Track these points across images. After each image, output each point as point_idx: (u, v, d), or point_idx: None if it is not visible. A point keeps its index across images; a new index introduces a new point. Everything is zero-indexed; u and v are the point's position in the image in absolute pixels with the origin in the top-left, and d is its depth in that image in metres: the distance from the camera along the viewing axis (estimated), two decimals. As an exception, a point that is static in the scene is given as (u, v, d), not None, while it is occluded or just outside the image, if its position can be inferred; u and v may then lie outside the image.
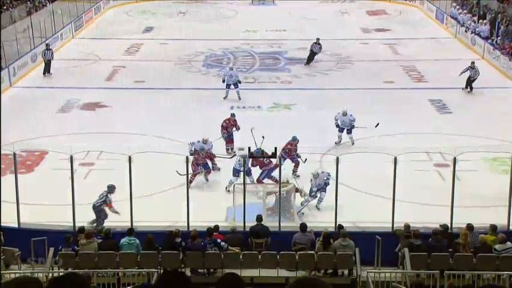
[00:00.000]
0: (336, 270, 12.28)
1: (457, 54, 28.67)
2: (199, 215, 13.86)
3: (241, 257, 12.17)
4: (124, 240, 12.38)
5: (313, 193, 14.77)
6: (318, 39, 27.17)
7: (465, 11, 32.85)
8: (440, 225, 12.70)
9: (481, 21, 30.50)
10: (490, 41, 28.54)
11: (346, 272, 12.29)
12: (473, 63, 23.69)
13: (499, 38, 28.44)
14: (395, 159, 13.05)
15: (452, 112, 21.49)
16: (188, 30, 33.28)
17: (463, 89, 23.25)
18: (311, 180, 14.85)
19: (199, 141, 16.22)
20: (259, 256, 12.14)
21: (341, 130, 18.24)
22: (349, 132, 18.15)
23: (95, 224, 13.82)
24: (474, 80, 23.23)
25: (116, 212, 13.85)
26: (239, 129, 17.82)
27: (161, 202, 14.95)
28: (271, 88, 24.38)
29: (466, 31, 30.91)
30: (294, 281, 2.30)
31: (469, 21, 31.00)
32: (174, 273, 3.07)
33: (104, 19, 37.25)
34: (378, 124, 17.22)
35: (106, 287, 11.33)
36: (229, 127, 17.92)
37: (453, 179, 13.18)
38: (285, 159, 15.76)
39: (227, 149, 17.42)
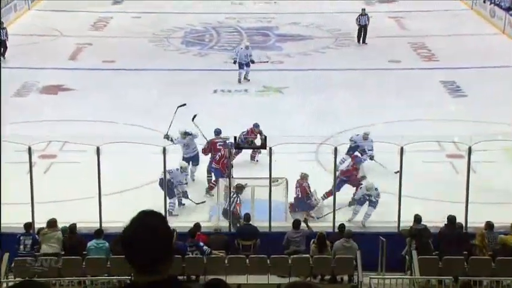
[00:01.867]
0: (334, 276, 12.34)
1: (473, 28, 28.75)
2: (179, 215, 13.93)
3: (226, 261, 12.20)
4: (91, 244, 12.34)
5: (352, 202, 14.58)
6: (363, 9, 27.27)
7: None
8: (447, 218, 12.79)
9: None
10: (511, 12, 28.64)
11: (346, 278, 12.36)
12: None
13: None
14: (402, 149, 13.14)
15: (467, 95, 21.56)
16: (165, 2, 33.14)
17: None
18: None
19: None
20: (247, 260, 12.17)
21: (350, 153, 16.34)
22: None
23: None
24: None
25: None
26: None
27: (135, 199, 14.87)
28: (261, 69, 24.29)
29: (484, 1, 30.99)
30: (287, 285, 2.28)
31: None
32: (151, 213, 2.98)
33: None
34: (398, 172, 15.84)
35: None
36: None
37: (468, 171, 13.30)
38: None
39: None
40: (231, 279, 11.47)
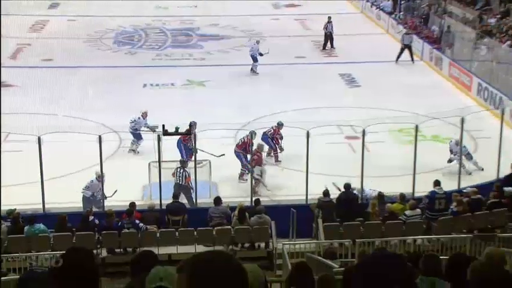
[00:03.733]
0: (253, 244, 12.39)
1: (363, 29, 29.30)
2: (115, 194, 13.65)
3: (158, 234, 12.08)
4: (27, 229, 11.91)
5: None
6: (329, 17, 26.86)
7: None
8: (344, 186, 13.06)
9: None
10: (393, 16, 29.31)
11: (263, 245, 12.42)
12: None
13: (401, 13, 29.30)
14: (308, 133, 13.25)
15: (361, 85, 21.96)
16: (98, 7, 32.45)
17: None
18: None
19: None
20: (177, 233, 12.08)
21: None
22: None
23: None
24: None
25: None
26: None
27: (75, 183, 14.56)
28: (185, 65, 24.11)
29: (371, 6, 31.62)
30: (192, 256, 2.13)
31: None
32: (76, 251, 2.90)
33: (7, -5, 35.63)
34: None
35: (18, 272, 10.94)
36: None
37: (362, 150, 13.57)
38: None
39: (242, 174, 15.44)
40: (163, 250, 11.40)
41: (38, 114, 18.27)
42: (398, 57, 24.43)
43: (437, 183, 12.97)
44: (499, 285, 3.21)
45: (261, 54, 22.44)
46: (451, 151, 15.35)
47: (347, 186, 13.08)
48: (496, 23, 24.32)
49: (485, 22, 24.75)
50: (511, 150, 14.95)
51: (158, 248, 11.35)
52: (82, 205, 13.60)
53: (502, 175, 14.41)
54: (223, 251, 5.25)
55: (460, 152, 14.85)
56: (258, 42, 23.33)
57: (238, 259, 2.16)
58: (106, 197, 13.57)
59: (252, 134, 14.57)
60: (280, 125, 15.98)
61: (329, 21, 26.80)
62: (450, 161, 15.46)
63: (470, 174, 15.36)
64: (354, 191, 13.23)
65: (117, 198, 13.50)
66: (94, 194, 13.80)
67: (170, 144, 14.37)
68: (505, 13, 24.84)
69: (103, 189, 13.50)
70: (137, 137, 16.51)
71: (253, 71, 22.61)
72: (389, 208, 12.74)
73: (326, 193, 13.06)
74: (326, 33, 26.66)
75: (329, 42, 26.67)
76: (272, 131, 15.98)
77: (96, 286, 2.75)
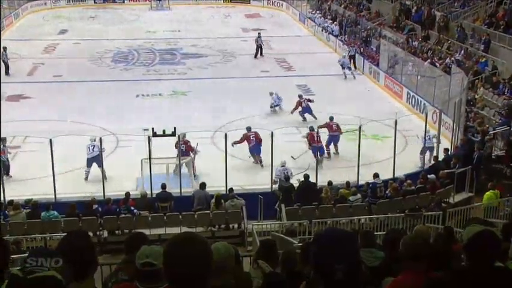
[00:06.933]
0: (228, 225, 12.33)
1: (316, 48, 29.35)
2: (113, 186, 13.47)
3: (149, 218, 11.95)
4: (43, 215, 11.73)
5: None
6: (259, 33, 27.51)
7: (320, 15, 33.87)
8: (304, 176, 12.99)
9: (331, 22, 31.57)
10: (340, 37, 29.46)
11: (236, 225, 12.37)
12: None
13: (346, 36, 29.48)
14: (272, 133, 13.23)
15: (315, 94, 21.95)
16: (98, 32, 32.17)
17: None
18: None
19: None
20: (165, 217, 11.96)
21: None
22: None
23: None
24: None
25: None
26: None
27: (81, 176, 14.36)
28: (170, 79, 23.87)
29: (322, 30, 31.73)
30: (175, 235, 2.17)
31: (324, 23, 32.03)
32: (76, 233, 2.84)
33: (23, 23, 34.98)
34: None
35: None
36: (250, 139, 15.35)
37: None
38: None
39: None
40: (154, 232, 11.25)
41: (50, 121, 17.96)
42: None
43: (376, 175, 13.04)
44: (424, 255, 3.33)
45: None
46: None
47: (306, 176, 13.04)
48: (418, 45, 24.68)
49: (411, 44, 25.09)
50: (433, 146, 15.16)
51: (150, 229, 11.20)
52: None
53: (426, 166, 14.61)
54: (194, 232, 5.25)
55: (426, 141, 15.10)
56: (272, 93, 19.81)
57: (205, 238, 2.22)
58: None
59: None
60: (311, 130, 15.40)
61: (259, 36, 27.40)
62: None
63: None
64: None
65: (115, 188, 13.30)
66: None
67: (158, 144, 14.16)
68: (425, 37, 25.27)
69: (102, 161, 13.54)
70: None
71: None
72: (340, 193, 12.81)
73: (287, 178, 13.10)
74: (257, 45, 27.21)
75: (259, 53, 27.17)
76: (307, 135, 15.41)
77: (94, 260, 2.74)
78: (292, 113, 18.22)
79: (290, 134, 16.62)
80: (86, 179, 14.32)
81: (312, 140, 15.09)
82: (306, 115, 18.27)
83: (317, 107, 19.31)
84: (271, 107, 19.05)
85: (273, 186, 13.31)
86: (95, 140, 14.11)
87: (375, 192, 12.78)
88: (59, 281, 2.21)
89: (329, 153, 15.76)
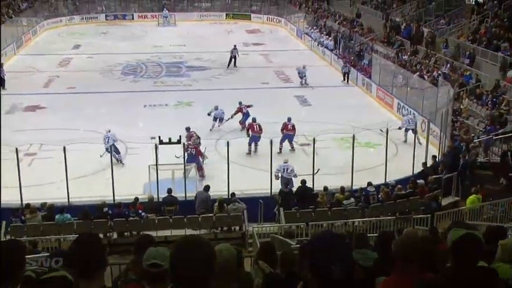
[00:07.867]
0: (230, 227, 12.30)
1: (312, 62, 29.33)
2: (122, 191, 13.44)
3: (156, 221, 11.93)
4: (57, 217, 11.72)
5: None
6: (235, 45, 27.51)
7: (316, 31, 33.93)
8: (301, 182, 12.95)
9: (327, 37, 31.60)
10: (334, 52, 29.51)
11: (237, 228, 12.34)
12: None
13: (340, 50, 29.53)
14: (271, 141, 13.23)
15: (311, 105, 22.00)
16: (109, 47, 32.25)
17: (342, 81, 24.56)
18: None
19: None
20: (171, 220, 11.94)
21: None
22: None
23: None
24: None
25: None
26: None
27: (89, 183, 14.32)
28: (176, 90, 23.91)
29: (317, 45, 31.78)
30: (180, 239, 2.17)
31: (320, 38, 32.10)
32: (88, 235, 2.82)
33: (40, 39, 35.14)
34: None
35: (50, 250, 10.68)
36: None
37: (313, 154, 13.56)
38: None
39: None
40: (160, 233, 11.24)
41: (64, 129, 17.94)
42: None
43: (369, 184, 13.01)
44: (414, 255, 3.28)
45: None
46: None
47: (303, 181, 13.02)
48: (408, 58, 24.72)
49: (401, 58, 25.12)
50: (422, 154, 15.15)
51: (157, 231, 11.19)
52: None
53: (416, 171, 14.59)
54: (198, 235, 5.23)
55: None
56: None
57: (209, 241, 2.19)
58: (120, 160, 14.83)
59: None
60: (254, 120, 16.66)
61: (235, 48, 27.57)
62: (399, 128, 16.93)
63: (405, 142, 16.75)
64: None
65: (124, 193, 13.27)
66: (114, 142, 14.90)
67: (165, 151, 14.15)
68: (414, 52, 25.31)
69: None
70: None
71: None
72: (335, 198, 12.79)
73: (286, 185, 13.08)
74: (231, 56, 27.47)
75: (232, 63, 27.40)
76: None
77: (104, 260, 2.73)
78: (232, 117, 18.23)
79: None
80: (119, 161, 15.25)
81: (253, 129, 16.21)
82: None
83: (314, 117, 19.38)
84: (217, 119, 18.53)
85: (273, 185, 13.21)
86: (109, 131, 15.34)
87: (368, 200, 12.74)
88: (69, 281, 2.20)
89: (280, 149, 16.11)
